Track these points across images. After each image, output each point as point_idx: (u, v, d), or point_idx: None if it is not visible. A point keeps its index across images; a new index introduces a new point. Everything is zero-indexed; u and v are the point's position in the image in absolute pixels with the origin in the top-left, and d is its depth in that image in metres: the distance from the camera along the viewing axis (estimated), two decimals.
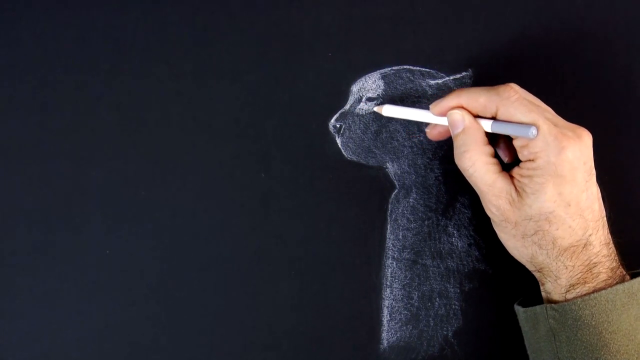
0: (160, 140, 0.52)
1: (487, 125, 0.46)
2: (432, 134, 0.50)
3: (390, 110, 0.50)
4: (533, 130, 0.43)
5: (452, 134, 0.47)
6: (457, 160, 0.47)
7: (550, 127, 0.44)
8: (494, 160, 0.46)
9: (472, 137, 0.46)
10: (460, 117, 0.46)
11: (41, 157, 0.51)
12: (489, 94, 0.46)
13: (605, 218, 0.46)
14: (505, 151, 0.49)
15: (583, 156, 0.44)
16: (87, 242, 0.51)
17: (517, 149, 0.46)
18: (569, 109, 0.49)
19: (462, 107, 0.47)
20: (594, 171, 0.45)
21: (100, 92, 0.52)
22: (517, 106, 0.45)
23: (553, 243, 0.45)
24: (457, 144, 0.47)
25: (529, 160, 0.45)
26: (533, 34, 0.53)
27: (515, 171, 0.46)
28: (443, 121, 0.48)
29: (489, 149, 0.46)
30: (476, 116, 0.47)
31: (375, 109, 0.51)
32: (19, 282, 0.51)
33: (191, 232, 0.52)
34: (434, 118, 0.48)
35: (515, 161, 0.48)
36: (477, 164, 0.46)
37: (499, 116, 0.46)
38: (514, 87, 0.46)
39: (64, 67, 0.51)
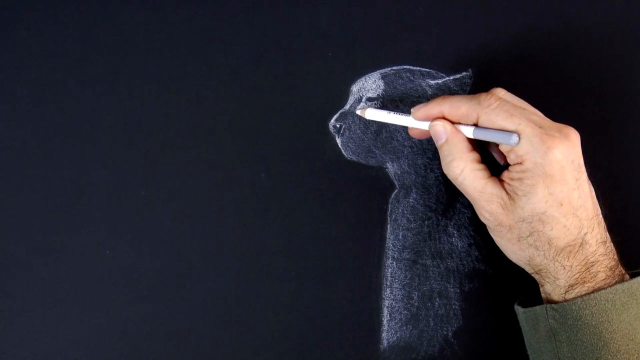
0: (160, 140, 0.52)
1: (469, 132, 0.46)
2: (413, 133, 0.50)
3: (372, 114, 0.50)
4: (515, 138, 0.44)
5: (436, 145, 0.48)
6: (445, 171, 0.47)
7: (534, 128, 0.44)
8: (482, 166, 0.47)
9: (456, 146, 0.46)
10: (442, 129, 0.47)
11: (41, 157, 0.51)
12: (470, 103, 0.46)
13: (600, 216, 0.46)
14: (499, 154, 0.49)
15: (571, 155, 0.44)
16: (87, 242, 0.51)
17: (505, 153, 0.46)
18: (568, 108, 0.49)
19: (444, 117, 0.47)
20: (584, 169, 0.46)
21: (100, 92, 0.51)
22: (497, 112, 0.45)
23: (549, 244, 0.45)
24: (442, 155, 0.47)
25: (517, 163, 0.45)
26: (533, 33, 0.53)
27: (505, 175, 0.46)
28: (424, 126, 0.48)
29: (475, 155, 0.47)
30: (458, 123, 0.47)
31: (358, 112, 0.51)
32: (19, 282, 0.51)
33: (191, 232, 0.52)
34: (415, 122, 0.49)
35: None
36: (465, 172, 0.46)
37: (481, 124, 0.46)
38: (497, 93, 0.46)
39: (64, 67, 0.51)
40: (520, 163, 0.45)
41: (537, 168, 0.44)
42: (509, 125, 0.44)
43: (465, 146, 0.46)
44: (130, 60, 0.52)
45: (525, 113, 0.45)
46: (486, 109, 0.45)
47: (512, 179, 0.45)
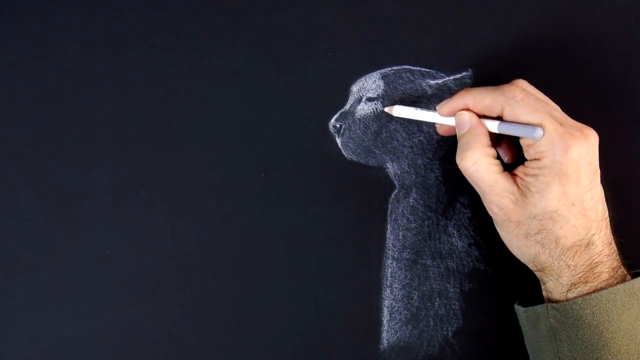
0: (160, 140, 0.52)
1: (494, 126, 0.46)
2: (442, 130, 0.50)
3: (400, 111, 0.51)
4: (539, 132, 0.44)
5: (457, 134, 0.47)
6: (458, 159, 0.47)
7: (557, 126, 0.44)
8: (496, 161, 0.46)
9: (475, 137, 0.46)
10: (467, 118, 0.47)
11: (41, 157, 0.51)
12: (494, 94, 0.46)
13: (608, 218, 0.47)
14: (506, 151, 0.49)
15: (589, 156, 0.44)
16: (87, 242, 0.51)
17: (523, 147, 0.46)
18: (570, 109, 0.49)
19: (468, 108, 0.47)
20: (598, 171, 0.46)
21: (100, 92, 0.52)
22: (522, 106, 0.45)
23: (556, 242, 0.45)
24: (460, 144, 0.47)
25: (535, 159, 0.45)
26: (533, 33, 0.53)
27: (520, 170, 0.46)
28: (450, 121, 0.48)
29: (492, 151, 0.47)
30: (483, 116, 0.47)
31: (386, 109, 0.52)
32: (19, 282, 0.51)
33: (191, 232, 0.52)
34: (441, 119, 0.49)
35: (515, 162, 0.48)
36: (478, 163, 0.46)
37: (505, 116, 0.46)
38: (520, 85, 0.46)
39: (64, 67, 0.51)
40: (538, 159, 0.45)
41: (555, 166, 0.44)
42: (533, 120, 0.44)
43: (485, 139, 0.46)
44: (130, 60, 0.52)
45: (547, 108, 0.45)
46: (511, 101, 0.45)
47: (527, 175, 0.45)
